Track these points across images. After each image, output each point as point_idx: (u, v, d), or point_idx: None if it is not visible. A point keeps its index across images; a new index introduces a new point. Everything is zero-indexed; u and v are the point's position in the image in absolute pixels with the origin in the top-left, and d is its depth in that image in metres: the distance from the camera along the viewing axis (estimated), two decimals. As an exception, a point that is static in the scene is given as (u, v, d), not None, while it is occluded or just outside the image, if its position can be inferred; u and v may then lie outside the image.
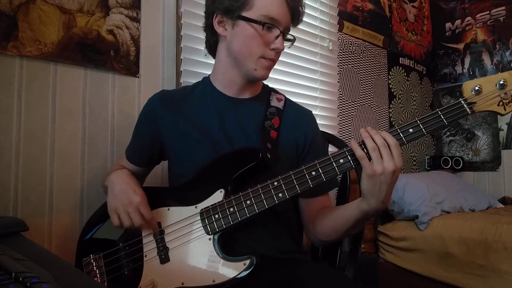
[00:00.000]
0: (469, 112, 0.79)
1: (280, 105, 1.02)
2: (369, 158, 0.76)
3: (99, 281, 0.86)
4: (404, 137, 0.79)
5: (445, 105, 0.79)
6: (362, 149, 0.77)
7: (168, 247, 0.85)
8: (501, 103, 0.79)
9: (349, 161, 0.80)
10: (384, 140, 0.76)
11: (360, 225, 0.89)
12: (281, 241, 0.94)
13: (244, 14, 0.89)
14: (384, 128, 2.62)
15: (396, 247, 2.07)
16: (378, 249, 2.17)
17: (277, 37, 0.91)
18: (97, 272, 0.87)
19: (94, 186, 1.21)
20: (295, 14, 0.94)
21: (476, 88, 0.79)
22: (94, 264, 0.88)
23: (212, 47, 1.02)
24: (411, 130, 0.79)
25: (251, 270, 0.78)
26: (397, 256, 2.06)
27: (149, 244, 0.86)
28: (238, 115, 0.98)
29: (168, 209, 0.88)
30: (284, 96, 1.07)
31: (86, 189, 1.21)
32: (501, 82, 0.78)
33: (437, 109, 0.80)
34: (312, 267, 0.87)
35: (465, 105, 0.79)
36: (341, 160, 0.80)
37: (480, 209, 2.27)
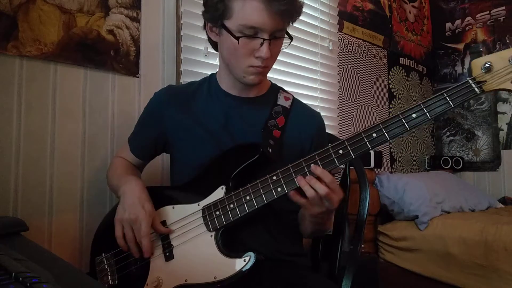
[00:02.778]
0: (478, 92, 0.72)
1: (287, 104, 1.01)
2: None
3: (110, 279, 0.88)
4: (406, 123, 0.74)
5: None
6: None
7: (172, 245, 0.85)
8: None
9: (349, 151, 0.77)
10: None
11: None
12: (282, 243, 0.93)
13: (226, 23, 0.86)
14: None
15: (396, 247, 2.07)
16: (378, 249, 2.17)
17: (261, 44, 0.85)
18: (108, 270, 0.88)
19: (94, 186, 1.21)
20: (285, 15, 0.85)
21: (487, 65, 0.71)
22: (105, 263, 0.89)
23: (214, 47, 1.01)
24: (414, 115, 0.74)
25: (252, 267, 0.77)
26: (397, 256, 2.06)
27: (155, 242, 0.87)
28: (242, 114, 0.97)
29: (173, 207, 0.89)
30: (292, 96, 1.05)
31: (86, 189, 1.21)
32: None
33: (442, 91, 0.73)
34: (315, 280, 0.86)
35: (473, 85, 0.72)
36: (341, 151, 0.77)
37: (480, 209, 2.27)
